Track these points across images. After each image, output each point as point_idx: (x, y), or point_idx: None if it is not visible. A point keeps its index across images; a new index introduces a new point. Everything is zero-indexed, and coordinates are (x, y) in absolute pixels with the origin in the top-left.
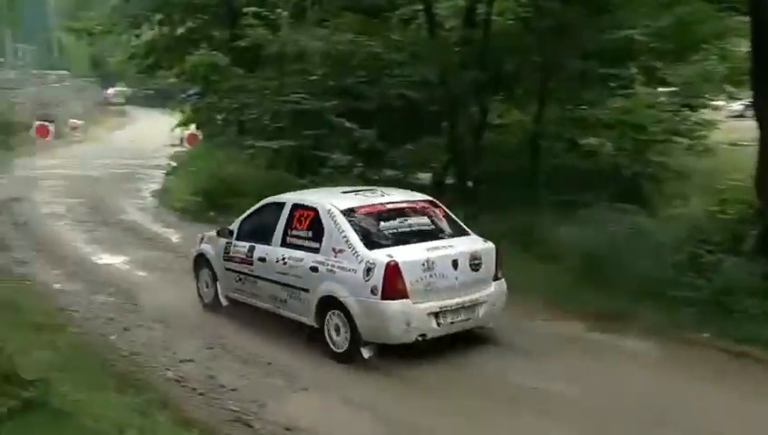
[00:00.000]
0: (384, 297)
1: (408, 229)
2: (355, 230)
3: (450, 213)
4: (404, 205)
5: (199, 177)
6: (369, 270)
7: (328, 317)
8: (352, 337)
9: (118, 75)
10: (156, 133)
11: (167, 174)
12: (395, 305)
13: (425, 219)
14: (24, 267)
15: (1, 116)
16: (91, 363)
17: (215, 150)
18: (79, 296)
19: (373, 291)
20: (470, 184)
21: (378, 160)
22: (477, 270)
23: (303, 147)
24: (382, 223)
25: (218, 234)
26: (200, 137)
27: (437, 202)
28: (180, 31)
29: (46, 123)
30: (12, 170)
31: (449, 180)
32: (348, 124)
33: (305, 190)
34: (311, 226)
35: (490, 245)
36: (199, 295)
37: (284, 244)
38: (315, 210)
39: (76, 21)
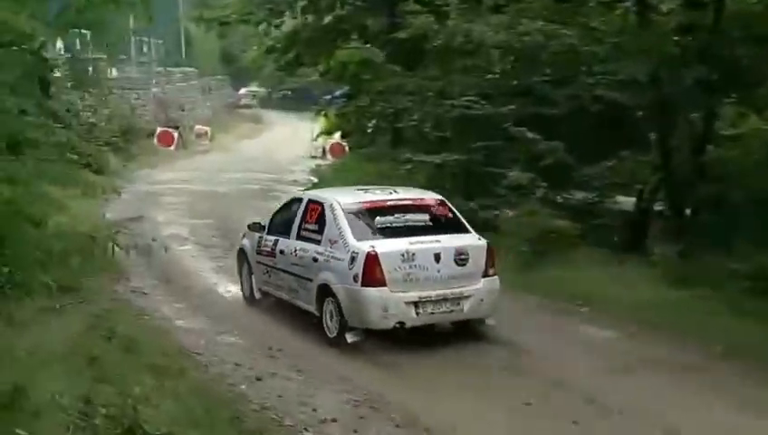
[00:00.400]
0: (363, 284)
1: (402, 224)
2: (350, 223)
3: (456, 212)
4: (407, 202)
5: None
6: (353, 259)
7: (325, 305)
8: (340, 322)
9: (251, 73)
10: (293, 142)
11: (306, 191)
12: (373, 292)
13: (423, 216)
14: (143, 299)
15: (123, 120)
16: (219, 418)
17: (364, 164)
18: (203, 336)
19: (355, 278)
20: (687, 212)
21: (565, 180)
22: (463, 265)
23: (472, 162)
24: (378, 217)
25: (250, 228)
26: (346, 147)
27: (445, 201)
28: (327, 20)
29: (170, 130)
30: (132, 184)
31: (658, 207)
32: (530, 134)
33: (329, 188)
34: (317, 219)
35: (481, 242)
36: (242, 290)
37: (299, 236)
38: (322, 205)
39: (207, 10)
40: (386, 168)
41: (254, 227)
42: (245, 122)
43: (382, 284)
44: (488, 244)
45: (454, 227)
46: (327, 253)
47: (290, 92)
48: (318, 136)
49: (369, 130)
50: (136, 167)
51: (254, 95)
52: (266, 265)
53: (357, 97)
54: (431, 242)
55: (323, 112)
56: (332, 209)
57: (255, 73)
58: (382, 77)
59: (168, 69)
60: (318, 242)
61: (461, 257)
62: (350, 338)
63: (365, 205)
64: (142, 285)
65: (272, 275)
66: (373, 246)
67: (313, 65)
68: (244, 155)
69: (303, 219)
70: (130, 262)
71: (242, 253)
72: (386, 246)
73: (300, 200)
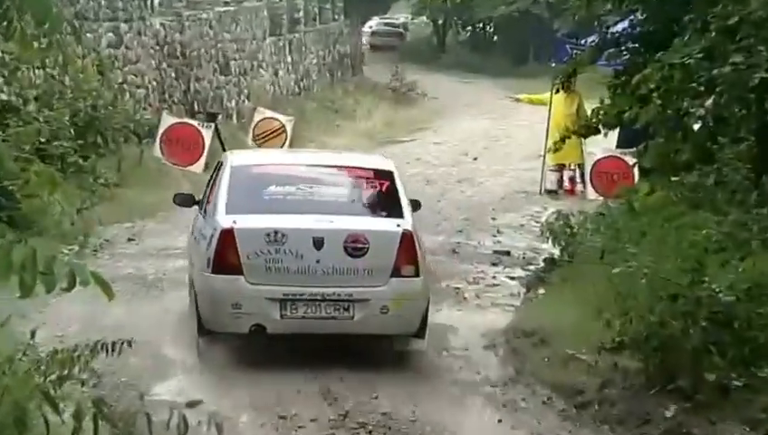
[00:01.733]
0: (214, 271)
1: (305, 197)
2: (232, 190)
3: (400, 189)
4: (326, 169)
5: None
6: (212, 237)
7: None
8: (197, 324)
9: None
10: (502, 156)
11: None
12: (220, 281)
13: (342, 190)
14: None
15: (81, 100)
16: None
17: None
18: None
19: (208, 263)
20: None
21: None
22: (358, 256)
23: None
24: (274, 186)
25: (178, 202)
26: (634, 169)
27: (393, 173)
28: None
29: (192, 124)
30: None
31: None
32: None
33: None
34: (213, 185)
35: (394, 229)
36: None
37: (204, 211)
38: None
39: None
40: None
41: (184, 200)
42: (381, 99)
43: (236, 271)
44: (408, 232)
45: (383, 208)
46: (200, 230)
47: (488, 27)
48: (554, 145)
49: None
50: (109, 221)
51: (402, 28)
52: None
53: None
54: (315, 222)
55: (563, 83)
56: (222, 171)
57: None
58: None
59: None
60: (205, 216)
61: (355, 246)
62: (202, 344)
63: (267, 168)
64: None
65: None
66: (235, 221)
67: None
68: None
69: (210, 187)
70: None
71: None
72: (250, 222)
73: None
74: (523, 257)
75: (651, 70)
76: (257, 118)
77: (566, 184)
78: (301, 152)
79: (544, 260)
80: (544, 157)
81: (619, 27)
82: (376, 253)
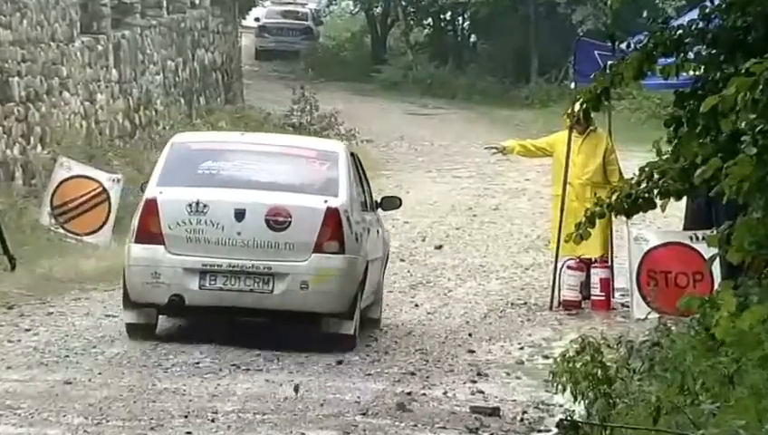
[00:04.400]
0: (137, 240)
1: (237, 172)
2: (168, 164)
3: (340, 171)
4: (268, 148)
5: None
6: (141, 208)
7: None
8: (123, 296)
9: None
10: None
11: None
12: (142, 250)
13: (277, 167)
14: None
15: None
16: None
17: None
18: None
19: (132, 233)
20: None
21: None
22: (280, 230)
23: None
24: (210, 162)
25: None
26: None
27: (336, 155)
28: None
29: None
30: None
31: None
32: None
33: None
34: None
35: (319, 205)
36: None
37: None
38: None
39: None
40: None
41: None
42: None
43: (157, 240)
44: (333, 208)
45: (317, 186)
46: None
47: (461, 20)
48: (576, 228)
49: None
50: None
51: (312, 21)
52: None
53: None
54: (239, 194)
55: (582, 116)
56: (165, 148)
57: None
58: None
59: None
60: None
61: (276, 220)
62: (127, 318)
63: (207, 145)
64: None
65: None
66: (161, 192)
67: None
68: None
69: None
70: None
71: None
72: (174, 194)
73: None
74: (522, 419)
75: (736, 88)
76: (60, 176)
77: (595, 291)
78: (249, 134)
79: (559, 425)
80: (557, 245)
81: (685, 19)
82: (298, 228)
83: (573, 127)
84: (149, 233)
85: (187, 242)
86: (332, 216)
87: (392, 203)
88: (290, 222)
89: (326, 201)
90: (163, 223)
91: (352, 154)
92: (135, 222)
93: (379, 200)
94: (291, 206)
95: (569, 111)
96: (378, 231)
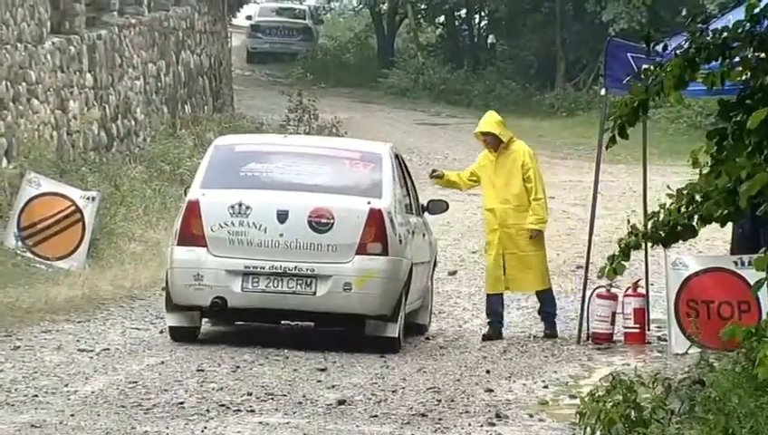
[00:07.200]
0: (179, 242)
1: (279, 174)
2: (211, 167)
3: (384, 173)
4: (311, 150)
5: None
6: (183, 210)
7: None
8: (166, 299)
9: None
10: None
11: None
12: (183, 253)
13: (320, 169)
14: None
15: None
16: None
17: None
18: None
19: (175, 235)
20: None
21: None
22: (323, 232)
23: None
24: (253, 164)
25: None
26: None
27: (380, 157)
28: None
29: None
30: None
31: None
32: None
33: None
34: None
35: (362, 206)
36: None
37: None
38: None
39: None
40: None
41: None
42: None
43: (199, 242)
44: (377, 209)
45: (361, 187)
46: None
47: (478, 19)
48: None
49: None
50: None
51: (310, 20)
52: None
53: None
54: (282, 196)
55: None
56: (208, 150)
57: None
58: None
59: None
60: None
61: (320, 221)
62: (170, 321)
63: (250, 148)
64: None
65: None
66: (204, 194)
67: None
68: None
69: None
70: None
71: None
72: (216, 196)
73: None
74: None
75: None
76: (28, 194)
77: (628, 323)
78: (292, 136)
79: None
80: (586, 270)
81: (729, 18)
82: (341, 229)
83: (484, 145)
84: (192, 235)
85: (229, 244)
86: (375, 217)
87: (439, 206)
88: (333, 223)
89: (369, 202)
90: (205, 225)
91: (397, 156)
92: (177, 224)
93: (425, 204)
94: (333, 207)
95: (475, 132)
96: (424, 235)
